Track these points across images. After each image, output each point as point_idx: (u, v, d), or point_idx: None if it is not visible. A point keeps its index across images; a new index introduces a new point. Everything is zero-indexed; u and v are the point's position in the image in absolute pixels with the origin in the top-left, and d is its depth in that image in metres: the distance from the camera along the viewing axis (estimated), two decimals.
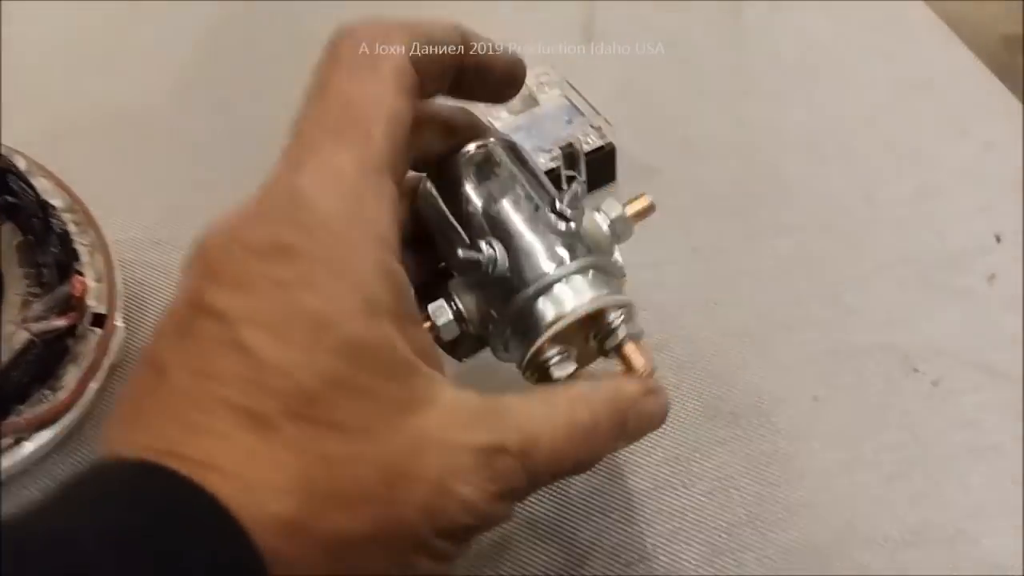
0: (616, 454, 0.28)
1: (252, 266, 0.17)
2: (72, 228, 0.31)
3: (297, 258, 0.17)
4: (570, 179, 0.33)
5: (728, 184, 0.36)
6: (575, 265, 0.22)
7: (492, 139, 0.25)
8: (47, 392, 0.28)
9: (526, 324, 0.22)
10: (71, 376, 0.28)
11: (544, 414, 0.19)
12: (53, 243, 0.29)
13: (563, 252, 0.23)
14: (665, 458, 0.28)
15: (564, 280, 0.22)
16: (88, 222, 0.31)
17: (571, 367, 0.23)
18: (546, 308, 0.22)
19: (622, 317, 0.23)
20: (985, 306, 0.31)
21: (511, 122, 0.35)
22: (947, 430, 0.28)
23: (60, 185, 0.32)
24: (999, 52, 1.50)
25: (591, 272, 0.23)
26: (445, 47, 0.21)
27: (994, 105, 0.38)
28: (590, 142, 0.34)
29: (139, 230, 0.36)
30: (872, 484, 0.28)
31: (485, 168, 0.24)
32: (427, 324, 0.23)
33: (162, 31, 0.46)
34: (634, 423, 0.21)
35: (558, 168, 0.33)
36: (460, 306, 0.23)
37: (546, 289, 0.22)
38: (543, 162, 0.33)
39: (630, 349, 0.23)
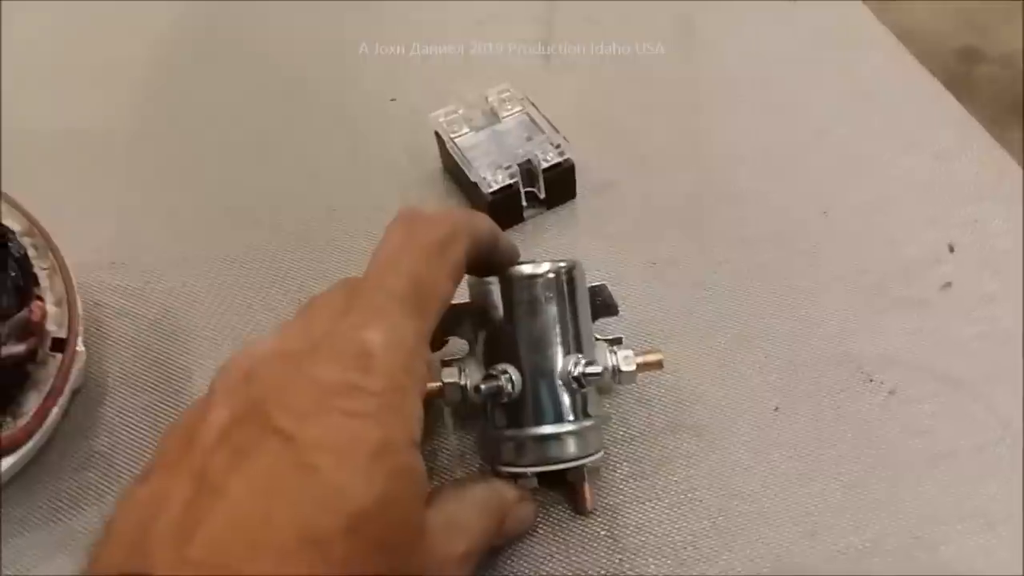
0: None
1: (322, 398, 0.20)
2: (31, 252, 0.30)
3: (363, 396, 0.20)
4: (531, 195, 0.34)
5: (684, 198, 0.36)
6: (573, 426, 0.26)
7: (563, 264, 0.27)
8: (7, 419, 0.28)
9: (517, 449, 0.26)
10: (32, 402, 0.28)
11: (480, 520, 0.24)
12: (12, 268, 0.28)
13: (568, 411, 0.26)
14: (631, 473, 0.29)
15: (559, 436, 0.26)
16: (47, 245, 0.31)
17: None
18: (537, 450, 0.26)
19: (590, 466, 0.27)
20: (939, 315, 0.32)
21: (473, 138, 0.35)
22: (903, 438, 0.29)
23: (17, 208, 0.32)
24: (952, 63, 1.54)
25: (585, 432, 0.26)
26: (486, 246, 0.25)
27: (943, 116, 0.39)
28: (549, 159, 0.34)
29: (96, 252, 0.36)
30: (832, 493, 0.28)
31: (540, 294, 0.26)
32: (436, 384, 0.27)
33: (117, 53, 0.46)
34: (511, 522, 0.26)
35: (517, 183, 0.34)
36: (468, 384, 0.27)
37: (543, 437, 0.26)
38: (500, 178, 0.34)
39: (586, 490, 0.27)
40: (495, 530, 0.25)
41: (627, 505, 0.28)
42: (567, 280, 0.27)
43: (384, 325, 0.22)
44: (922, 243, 0.34)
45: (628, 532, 0.28)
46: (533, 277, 0.26)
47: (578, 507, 0.28)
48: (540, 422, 0.26)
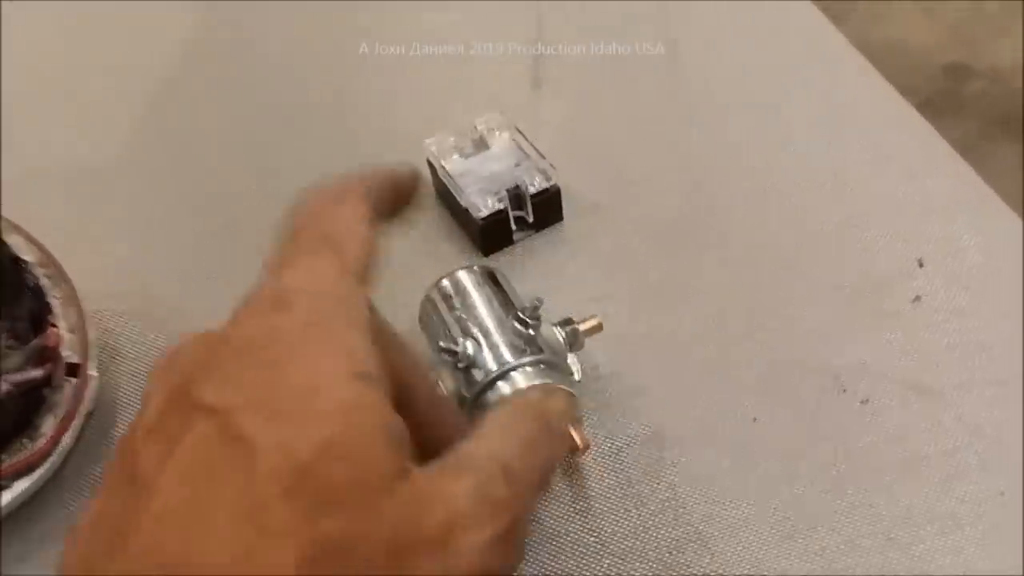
0: (571, 483, 0.30)
1: (241, 357, 0.18)
2: (45, 282, 0.32)
3: (282, 340, 0.18)
4: (520, 219, 0.35)
5: (668, 218, 0.38)
6: (530, 358, 0.28)
7: (476, 267, 0.31)
8: (25, 441, 0.29)
9: (487, 399, 0.28)
10: (48, 425, 0.30)
11: (500, 441, 0.20)
12: (27, 298, 0.30)
13: (522, 348, 0.28)
14: (617, 482, 0.30)
15: (519, 368, 0.28)
16: (60, 275, 0.33)
17: None
18: (503, 387, 0.28)
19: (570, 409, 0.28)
20: (910, 327, 0.33)
21: (462, 165, 0.37)
22: (877, 445, 0.31)
23: (31, 240, 0.33)
24: (941, 79, 1.56)
25: (542, 365, 0.28)
26: (388, 184, 0.24)
27: (914, 134, 0.41)
28: (536, 184, 0.36)
29: (107, 281, 0.37)
30: (809, 499, 0.29)
31: (466, 288, 0.30)
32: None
33: (121, 84, 0.48)
34: (554, 420, 0.22)
35: (506, 208, 0.35)
36: (442, 384, 0.28)
37: (504, 374, 0.28)
38: (490, 203, 0.35)
39: (572, 432, 0.27)
40: (546, 431, 0.21)
41: (614, 513, 0.30)
42: (487, 273, 0.31)
43: (293, 270, 0.20)
44: (893, 258, 0.35)
45: (616, 538, 0.29)
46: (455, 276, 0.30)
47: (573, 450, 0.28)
48: (503, 361, 0.28)
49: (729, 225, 0.37)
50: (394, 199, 0.24)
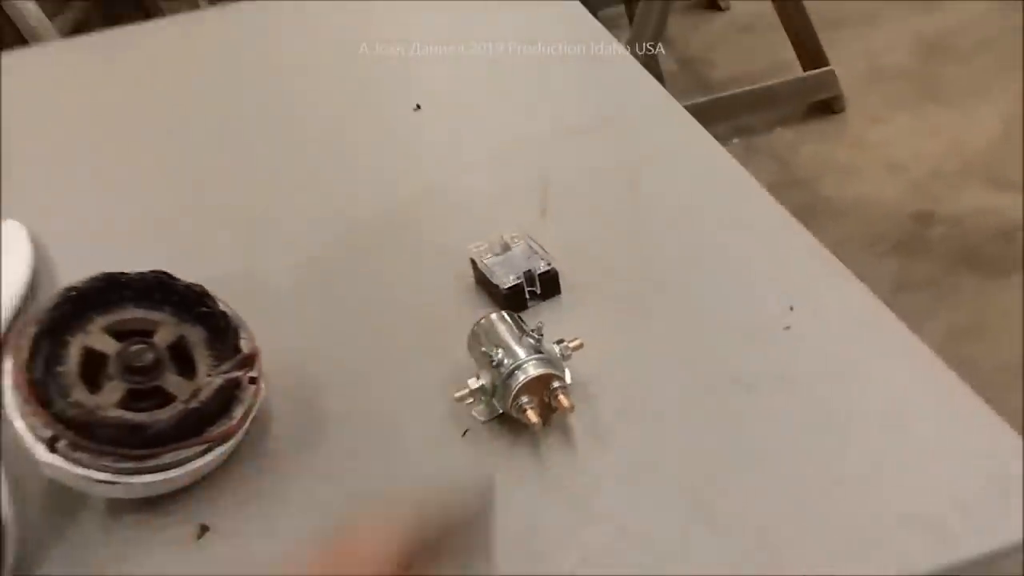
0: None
1: None
2: (241, 331, 0.51)
3: None
4: (532, 292, 0.54)
5: (631, 293, 0.56)
6: (536, 356, 0.46)
7: (501, 311, 0.50)
8: (225, 420, 0.47)
9: (510, 384, 0.45)
10: (238, 413, 0.48)
11: None
12: (231, 335, 0.49)
13: (532, 352, 0.46)
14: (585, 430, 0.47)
15: (530, 362, 0.45)
16: (241, 323, 0.51)
17: (536, 414, 0.45)
18: (521, 373, 0.45)
19: (560, 384, 0.46)
20: (785, 345, 0.51)
21: (494, 260, 0.56)
22: (762, 425, 0.47)
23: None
24: (909, 225, 1.77)
25: (546, 361, 0.46)
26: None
27: (787, 233, 0.60)
28: (541, 269, 0.55)
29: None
30: (722, 471, 0.46)
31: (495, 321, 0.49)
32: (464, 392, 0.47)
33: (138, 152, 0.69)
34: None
35: (522, 283, 0.54)
36: (483, 381, 0.46)
37: (521, 365, 0.45)
38: (511, 279, 0.55)
39: (563, 397, 0.45)
40: None
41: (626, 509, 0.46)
42: (504, 316, 0.50)
43: None
44: (771, 303, 0.53)
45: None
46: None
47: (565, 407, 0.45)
48: (519, 359, 0.46)
49: (670, 293, 0.56)
50: (438, 546, 0.30)
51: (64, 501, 0.47)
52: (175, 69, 0.99)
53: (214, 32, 1.09)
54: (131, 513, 0.47)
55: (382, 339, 0.56)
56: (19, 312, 0.61)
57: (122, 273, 0.49)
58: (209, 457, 0.46)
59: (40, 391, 0.44)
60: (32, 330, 0.45)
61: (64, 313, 0.46)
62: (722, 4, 2.86)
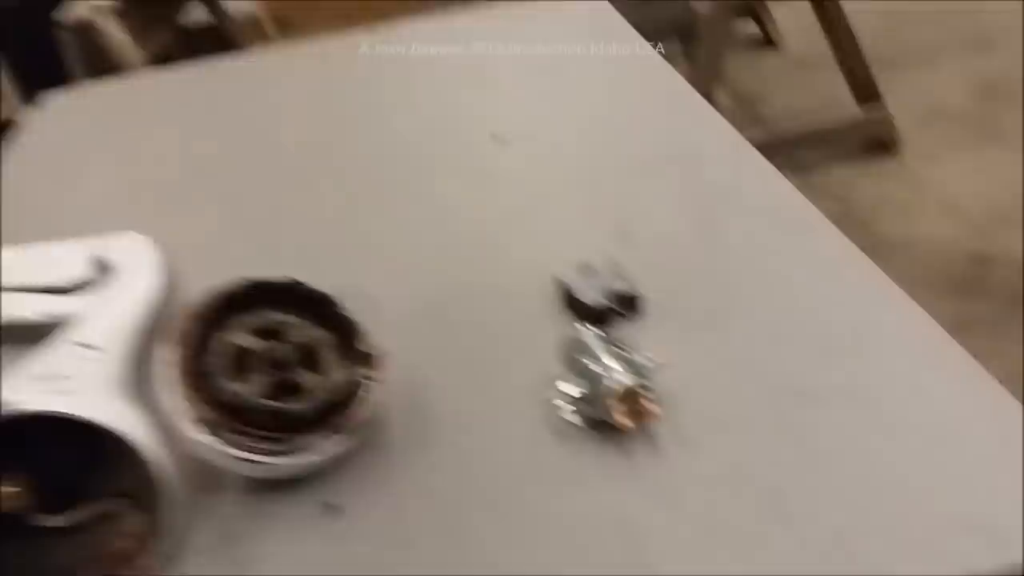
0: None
1: None
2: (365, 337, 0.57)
3: None
4: (615, 312, 0.60)
5: (706, 317, 0.62)
6: (627, 368, 0.52)
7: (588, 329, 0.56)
8: (351, 413, 0.53)
9: (603, 391, 0.51)
10: (362, 406, 0.54)
11: None
12: (357, 340, 0.55)
13: (624, 363, 0.52)
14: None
15: (622, 372, 0.51)
16: (364, 330, 0.58)
17: (627, 419, 0.51)
18: (613, 382, 0.51)
19: (648, 393, 0.51)
20: None
21: (580, 281, 0.62)
22: None
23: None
24: (964, 265, 1.78)
25: (636, 372, 0.52)
26: None
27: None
28: (625, 290, 0.61)
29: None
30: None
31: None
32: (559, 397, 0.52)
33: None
34: None
35: (607, 303, 0.60)
36: (577, 388, 0.52)
37: (613, 375, 0.51)
38: (597, 299, 0.60)
39: (651, 405, 0.51)
40: None
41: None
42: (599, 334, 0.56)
43: None
44: (837, 326, 0.58)
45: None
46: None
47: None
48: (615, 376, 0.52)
49: (744, 322, 0.61)
50: None
51: (205, 479, 0.54)
52: (278, 101, 1.08)
53: (313, 66, 1.18)
54: (265, 491, 0.53)
55: (478, 350, 0.62)
56: (153, 317, 0.68)
57: (263, 279, 0.56)
58: (337, 445, 0.53)
59: (198, 378, 0.51)
60: (190, 325, 0.52)
61: (216, 312, 0.53)
62: (776, 41, 2.91)
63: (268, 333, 0.55)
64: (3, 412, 0.45)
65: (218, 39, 2.62)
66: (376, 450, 0.55)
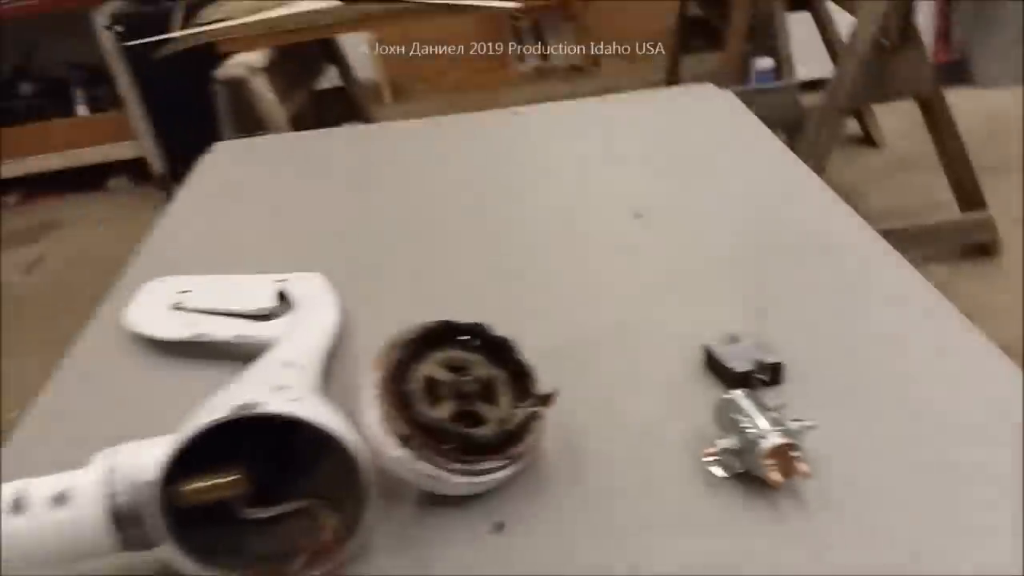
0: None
1: None
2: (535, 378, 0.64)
3: None
4: (760, 379, 0.66)
5: (844, 389, 0.67)
6: (780, 428, 0.57)
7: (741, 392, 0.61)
8: (523, 443, 0.60)
9: (757, 448, 0.56)
10: (531, 438, 0.61)
11: None
12: (529, 380, 0.62)
13: (776, 424, 0.57)
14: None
15: (775, 432, 0.57)
16: (535, 372, 0.65)
17: (779, 475, 0.56)
18: (767, 440, 0.56)
19: (798, 453, 0.57)
20: None
21: (725, 349, 0.68)
22: None
23: None
24: None
25: (788, 433, 0.57)
26: None
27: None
28: (770, 359, 0.67)
29: None
30: None
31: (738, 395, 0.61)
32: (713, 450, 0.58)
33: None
34: None
35: (753, 369, 0.66)
36: (731, 443, 0.58)
37: (767, 434, 0.57)
38: (745, 366, 0.66)
39: (802, 465, 0.56)
40: None
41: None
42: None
43: None
44: (968, 402, 0.62)
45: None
46: None
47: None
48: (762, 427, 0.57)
49: (880, 395, 0.66)
50: None
51: (386, 490, 0.61)
52: (427, 164, 1.20)
53: (460, 135, 1.29)
54: (441, 506, 0.60)
55: (628, 405, 0.68)
56: (333, 350, 0.76)
57: (453, 321, 0.63)
58: (509, 470, 0.59)
59: (396, 400, 0.58)
60: (395, 354, 0.60)
61: (414, 345, 0.61)
62: (877, 141, 2.95)
63: (454, 368, 0.62)
64: (246, 412, 0.53)
65: (345, 102, 2.82)
66: (535, 478, 0.61)
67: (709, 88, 1.35)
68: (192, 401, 0.59)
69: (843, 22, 2.63)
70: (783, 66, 2.38)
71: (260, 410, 0.53)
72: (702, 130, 1.21)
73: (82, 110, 3.65)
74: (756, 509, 0.57)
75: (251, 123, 2.07)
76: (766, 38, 2.25)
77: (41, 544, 0.53)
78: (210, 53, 2.19)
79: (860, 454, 0.60)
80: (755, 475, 0.58)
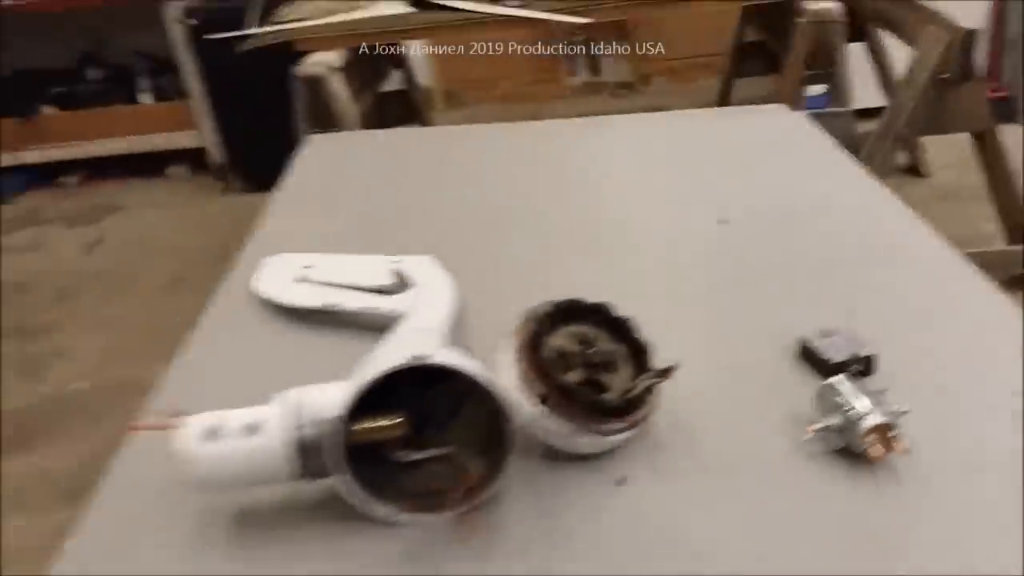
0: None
1: None
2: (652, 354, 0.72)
3: None
4: (855, 370, 0.72)
5: (933, 384, 0.73)
6: (880, 409, 0.63)
7: (844, 376, 0.67)
8: (643, 409, 0.67)
9: (860, 426, 0.63)
10: (648, 406, 0.68)
11: None
12: (646, 355, 0.70)
13: (877, 405, 0.65)
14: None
15: (876, 411, 0.62)
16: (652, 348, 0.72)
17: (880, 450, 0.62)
18: (871, 419, 0.62)
19: (896, 432, 0.63)
20: None
21: (821, 341, 0.75)
22: None
23: None
24: None
25: (888, 414, 0.63)
26: None
27: None
28: (865, 352, 0.73)
29: None
30: None
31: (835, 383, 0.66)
32: (818, 426, 0.64)
33: None
34: None
35: (849, 360, 0.72)
36: (834, 422, 0.63)
37: (869, 413, 0.64)
38: (841, 356, 0.73)
39: (901, 442, 0.62)
40: None
41: None
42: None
43: None
44: None
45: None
46: None
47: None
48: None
49: (953, 387, 0.72)
50: None
51: (515, 447, 0.68)
52: (511, 166, 1.27)
53: (539, 139, 1.37)
54: (565, 463, 0.67)
55: (729, 389, 0.75)
56: (454, 324, 0.84)
57: (582, 300, 0.71)
58: (629, 433, 0.67)
59: (534, 366, 0.66)
60: (532, 326, 0.68)
61: (546, 319, 0.69)
62: (924, 172, 3.00)
63: (582, 341, 0.70)
64: (420, 362, 0.61)
65: (404, 105, 2.91)
66: (651, 443, 0.69)
67: (782, 108, 1.42)
68: (319, 362, 0.68)
69: (896, 55, 2.70)
70: (840, 94, 2.44)
71: (433, 360, 0.61)
72: (778, 146, 1.28)
73: (146, 98, 3.78)
74: (856, 480, 0.64)
75: (325, 120, 2.16)
76: (825, 65, 2.31)
77: (232, 468, 0.60)
78: (284, 51, 2.29)
79: (946, 440, 0.67)
80: (854, 451, 0.64)
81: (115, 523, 0.66)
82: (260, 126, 3.25)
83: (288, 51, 2.30)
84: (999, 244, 2.38)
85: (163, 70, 3.72)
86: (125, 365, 2.43)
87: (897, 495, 0.62)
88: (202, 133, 3.64)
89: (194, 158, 3.76)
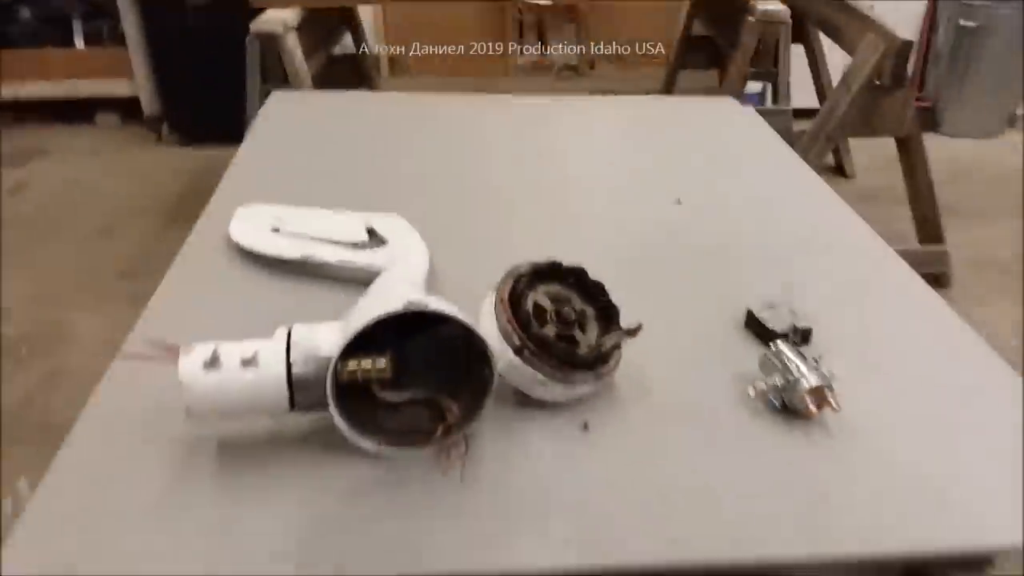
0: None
1: None
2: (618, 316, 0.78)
3: None
4: (791, 339, 0.80)
5: (864, 352, 0.82)
6: (817, 372, 0.71)
7: (783, 343, 0.74)
8: (608, 364, 0.73)
9: (799, 387, 0.71)
10: (614, 361, 0.74)
11: None
12: (614, 316, 0.76)
13: (814, 370, 0.71)
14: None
15: (814, 374, 0.70)
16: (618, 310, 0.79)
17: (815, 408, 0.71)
18: (807, 380, 0.70)
19: (831, 394, 0.71)
20: None
21: (765, 312, 0.83)
22: None
23: None
24: None
25: (823, 376, 0.71)
26: None
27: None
28: (802, 324, 0.82)
29: None
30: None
31: (779, 346, 0.74)
32: (761, 387, 0.71)
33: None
34: None
35: (788, 331, 0.80)
36: (776, 382, 0.71)
37: (806, 375, 0.71)
38: (782, 327, 0.81)
39: (835, 402, 0.70)
40: None
41: None
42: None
43: None
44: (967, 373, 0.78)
45: None
46: None
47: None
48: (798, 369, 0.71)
49: (888, 356, 0.81)
50: None
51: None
52: (476, 134, 1.32)
53: (500, 111, 1.42)
54: (536, 409, 0.73)
55: (682, 350, 0.83)
56: (426, 278, 0.88)
57: (559, 262, 0.77)
58: (594, 386, 0.73)
59: (517, 318, 0.71)
60: (511, 282, 0.73)
61: (526, 278, 0.74)
62: (849, 173, 3.16)
63: (556, 299, 0.75)
64: (415, 308, 0.65)
65: (352, 69, 2.90)
66: (612, 396, 0.75)
67: (731, 100, 1.50)
68: (295, 308, 0.73)
69: (833, 60, 2.84)
70: (781, 92, 2.56)
71: (426, 307, 0.65)
72: (728, 136, 1.36)
73: (80, 42, 3.64)
74: (792, 433, 0.72)
75: (277, 78, 2.15)
76: (769, 63, 2.42)
77: (228, 397, 0.64)
78: (234, 6, 2.25)
79: (871, 401, 0.76)
80: (792, 408, 0.72)
81: (94, 457, 0.68)
82: (200, 80, 3.18)
83: (239, 7, 2.27)
84: (913, 244, 2.55)
85: (101, 15, 3.59)
86: (52, 311, 2.37)
87: (829, 446, 0.71)
88: (136, 82, 3.53)
89: (127, 107, 3.64)
